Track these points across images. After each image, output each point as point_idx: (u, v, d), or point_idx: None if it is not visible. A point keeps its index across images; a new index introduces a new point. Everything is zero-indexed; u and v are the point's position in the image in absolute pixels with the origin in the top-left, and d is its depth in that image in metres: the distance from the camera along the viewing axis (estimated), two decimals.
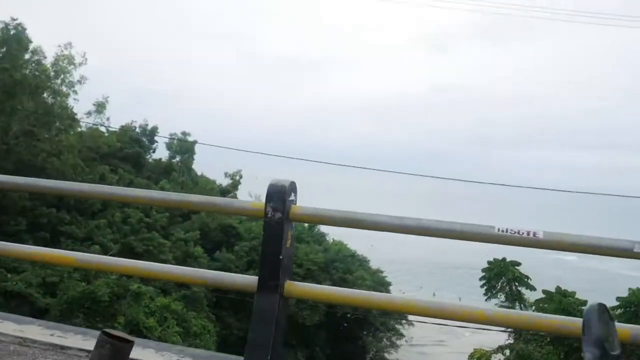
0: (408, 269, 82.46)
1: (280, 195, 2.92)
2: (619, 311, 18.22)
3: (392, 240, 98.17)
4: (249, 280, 3.07)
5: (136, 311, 23.61)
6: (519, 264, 24.09)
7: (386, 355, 44.16)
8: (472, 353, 22.88)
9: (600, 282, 59.46)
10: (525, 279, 23.73)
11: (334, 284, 39.62)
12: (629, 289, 18.39)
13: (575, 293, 22.23)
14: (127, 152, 42.04)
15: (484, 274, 24.20)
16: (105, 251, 26.73)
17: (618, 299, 19.47)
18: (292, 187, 2.99)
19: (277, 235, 2.93)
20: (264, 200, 2.97)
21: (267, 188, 2.99)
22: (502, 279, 23.84)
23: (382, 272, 46.40)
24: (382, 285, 44.87)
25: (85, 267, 3.93)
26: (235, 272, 34.40)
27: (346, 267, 42.17)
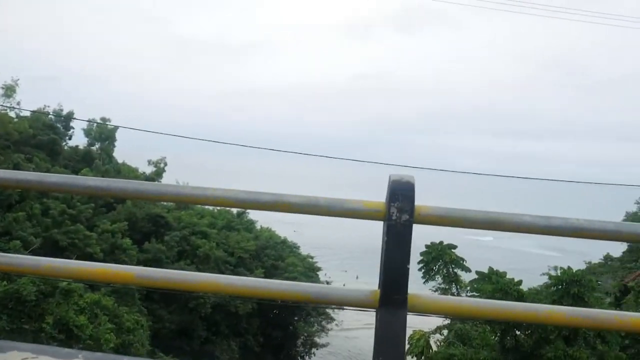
0: (333, 253, 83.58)
1: (407, 193, 2.56)
2: (552, 289, 19.45)
3: (316, 225, 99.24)
4: (365, 293, 2.74)
5: (65, 309, 22.11)
6: (455, 246, 25.05)
7: (316, 339, 44.59)
8: (411, 335, 23.51)
9: (518, 261, 63.35)
10: (461, 262, 24.72)
11: (266, 272, 39.39)
12: (560, 268, 19.60)
13: (506, 273, 23.41)
14: (40, 138, 39.08)
15: (422, 257, 24.90)
16: (26, 246, 24.80)
17: (550, 277, 20.76)
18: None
19: (404, 240, 2.58)
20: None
21: (390, 184, 2.58)
22: (439, 262, 24.65)
23: (312, 257, 46.68)
24: (312, 270, 45.23)
25: (146, 285, 3.26)
26: (166, 263, 33.23)
27: (277, 254, 42.03)
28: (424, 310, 2.82)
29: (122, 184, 2.89)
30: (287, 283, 2.82)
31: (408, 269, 2.66)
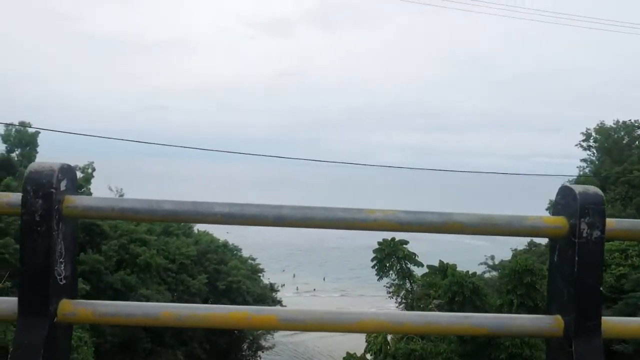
0: (267, 253, 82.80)
1: (598, 207, 2.31)
2: (505, 279, 20.21)
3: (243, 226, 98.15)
4: (547, 321, 2.54)
5: (3, 331, 20.42)
6: (406, 242, 25.46)
7: (262, 342, 44.14)
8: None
9: (459, 252, 65.53)
10: (413, 256, 25.17)
11: (209, 277, 38.44)
12: (512, 256, 20.36)
13: (456, 266, 24.12)
14: None
15: (375, 254, 25.10)
16: None
17: (503, 266, 21.56)
18: None
19: (596, 260, 2.33)
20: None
21: (579, 197, 2.34)
22: (392, 258, 24.97)
23: (254, 259, 46.08)
24: (255, 272, 44.66)
25: (292, 328, 2.71)
26: (105, 273, 31.54)
27: (219, 258, 41.12)
28: (618, 335, 2.66)
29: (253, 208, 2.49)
30: (458, 315, 2.58)
31: (601, 291, 2.50)
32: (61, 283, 2.35)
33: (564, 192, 2.48)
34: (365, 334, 24.31)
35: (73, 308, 2.38)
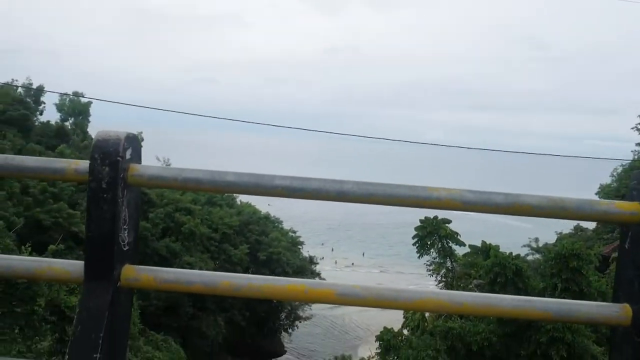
0: (307, 226, 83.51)
1: None
2: (550, 262, 19.76)
3: (286, 199, 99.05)
4: (614, 309, 2.45)
5: (57, 291, 21.39)
6: (449, 221, 25.20)
7: (299, 312, 44.87)
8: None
9: (502, 233, 64.42)
10: (456, 236, 24.91)
11: (251, 247, 39.13)
12: (557, 239, 19.86)
13: (498, 247, 23.72)
14: (10, 114, 37.39)
15: (416, 232, 24.98)
16: (10, 226, 23.79)
17: (547, 249, 21.07)
18: None
19: None
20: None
21: None
22: (434, 236, 24.77)
23: (295, 232, 46.58)
24: (295, 244, 45.18)
25: (349, 303, 2.73)
26: (151, 240, 32.56)
27: (261, 229, 41.74)
28: None
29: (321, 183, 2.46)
30: (523, 299, 2.52)
31: None
32: (125, 249, 2.42)
33: None
34: (404, 311, 24.36)
35: (136, 274, 2.45)
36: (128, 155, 2.39)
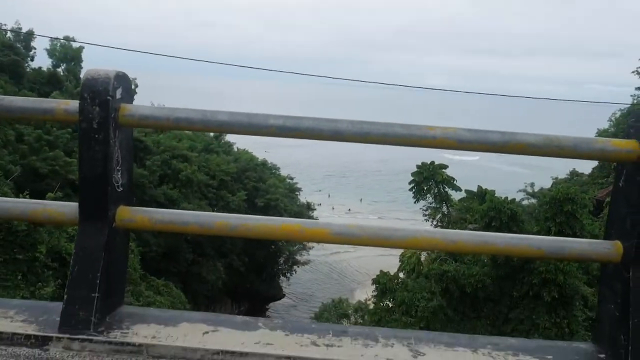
0: (304, 173, 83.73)
1: None
2: (545, 207, 19.99)
3: (286, 145, 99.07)
4: (606, 246, 2.47)
5: (57, 238, 21.66)
6: (446, 166, 25.28)
7: (297, 257, 45.63)
8: (402, 252, 24.12)
9: (498, 179, 64.64)
10: (452, 181, 25.04)
11: (248, 193, 39.35)
12: (553, 184, 19.99)
13: (494, 192, 23.90)
14: (0, 60, 36.68)
15: (413, 177, 25.08)
16: (7, 174, 23.80)
17: (543, 194, 21.25)
18: None
19: None
20: None
21: None
22: (430, 181, 24.90)
23: (292, 178, 46.74)
24: (293, 191, 45.44)
25: (345, 242, 2.72)
26: (149, 188, 32.68)
27: (258, 176, 41.86)
28: None
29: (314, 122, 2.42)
30: (516, 237, 2.54)
31: None
32: (119, 190, 2.40)
33: (639, 115, 2.34)
34: (400, 255, 24.83)
35: (131, 214, 2.45)
36: (118, 94, 2.34)
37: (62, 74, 41.18)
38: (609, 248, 2.43)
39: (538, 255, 2.57)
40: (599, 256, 2.47)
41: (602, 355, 2.39)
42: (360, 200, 75.04)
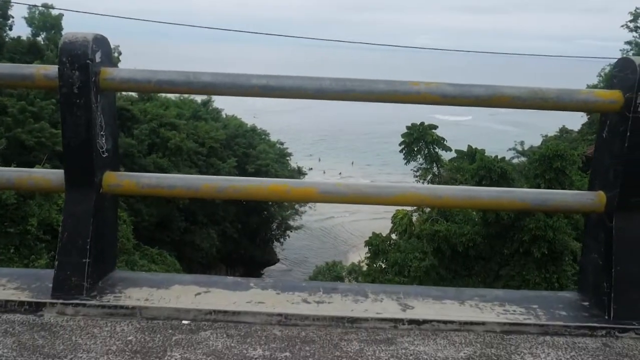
0: (293, 138, 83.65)
1: None
2: (534, 164, 20.13)
3: (275, 112, 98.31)
4: (589, 197, 2.51)
5: (47, 210, 21.60)
6: (435, 127, 25.27)
7: (290, 222, 45.89)
8: (394, 214, 24.32)
9: (489, 138, 64.72)
10: (442, 141, 25.08)
11: (239, 160, 39.27)
12: (543, 142, 20.08)
13: (484, 151, 23.99)
14: None
15: (403, 138, 25.09)
16: None
17: (532, 152, 21.36)
18: None
19: None
20: None
21: (638, 68, 2.18)
22: (420, 142, 24.93)
23: (282, 143, 46.61)
24: (283, 156, 45.37)
25: (332, 200, 2.74)
26: (138, 157, 32.50)
27: (248, 142, 41.67)
28: None
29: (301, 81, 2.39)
30: (501, 190, 2.57)
31: None
32: (104, 156, 2.39)
33: (623, 65, 2.33)
34: (391, 217, 25.04)
35: (117, 180, 2.44)
36: (98, 58, 2.30)
37: (42, 42, 40.23)
38: (592, 198, 2.47)
39: (522, 207, 2.61)
40: (583, 206, 2.51)
41: (586, 303, 2.45)
42: (352, 163, 75.12)
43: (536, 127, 57.57)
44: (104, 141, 2.38)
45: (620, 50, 50.74)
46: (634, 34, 49.89)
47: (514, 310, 2.33)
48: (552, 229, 18.81)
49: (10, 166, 18.87)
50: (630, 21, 50.33)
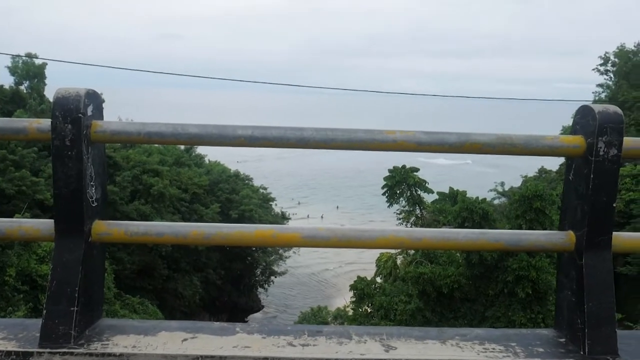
0: (275, 183, 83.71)
1: (617, 126, 2.34)
2: (515, 205, 20.43)
3: (252, 157, 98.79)
4: (560, 236, 2.62)
5: (27, 260, 21.22)
6: (417, 169, 25.60)
7: (274, 268, 45.46)
8: (378, 257, 24.31)
9: (469, 180, 65.43)
10: (424, 184, 25.37)
11: (222, 206, 39.14)
12: (522, 182, 20.43)
13: (466, 192, 24.32)
14: None
15: (385, 182, 25.33)
16: None
17: (513, 193, 21.70)
18: None
19: (612, 178, 2.36)
20: None
21: (598, 116, 2.32)
22: (403, 185, 25.19)
23: (265, 188, 46.65)
24: (267, 201, 45.34)
25: (315, 245, 2.78)
26: (121, 204, 32.25)
27: (231, 188, 41.67)
28: (628, 249, 2.73)
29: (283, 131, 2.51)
30: (475, 232, 2.67)
31: (614, 208, 2.54)
32: (93, 205, 2.45)
33: (584, 112, 2.49)
34: (375, 260, 25.02)
35: (106, 228, 2.50)
36: (90, 111, 2.40)
37: (25, 91, 40.39)
38: (562, 238, 2.59)
39: (497, 247, 2.72)
40: (554, 246, 2.63)
41: (562, 340, 2.53)
42: (337, 207, 75.36)
43: (515, 168, 58.49)
44: (93, 191, 2.44)
45: (593, 92, 52.34)
46: (604, 76, 51.68)
47: (493, 348, 2.40)
48: (535, 268, 18.96)
49: None
50: (601, 65, 52.30)
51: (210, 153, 47.86)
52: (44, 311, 2.33)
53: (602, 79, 52.50)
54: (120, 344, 2.30)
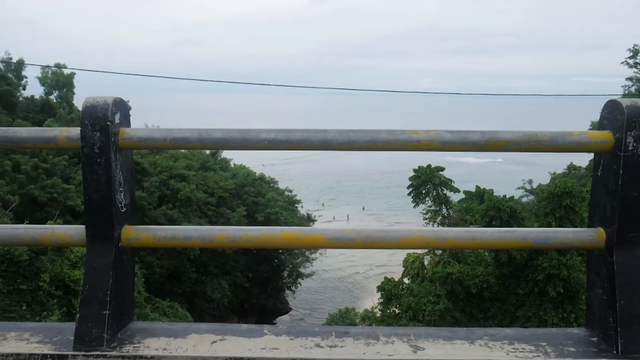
0: (301, 184, 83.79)
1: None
2: (544, 202, 20.08)
3: (280, 159, 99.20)
4: (589, 233, 2.57)
5: (60, 265, 21.68)
6: (443, 169, 25.39)
7: (301, 270, 45.57)
8: (405, 257, 24.15)
9: (496, 178, 64.67)
10: (450, 183, 25.14)
11: (248, 209, 39.41)
12: (551, 179, 20.07)
13: (493, 191, 24.00)
14: None
15: (411, 182, 25.19)
16: (5, 205, 23.87)
17: (541, 190, 21.34)
18: None
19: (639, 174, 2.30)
20: None
21: (626, 111, 2.27)
22: (428, 185, 25.00)
23: (290, 191, 46.82)
24: (292, 204, 45.50)
25: (340, 246, 2.81)
26: (149, 209, 32.75)
27: (257, 191, 41.93)
28: None
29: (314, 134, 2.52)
30: (502, 230, 2.64)
31: None
32: (122, 210, 2.51)
33: (611, 107, 2.45)
34: (403, 260, 24.87)
35: (135, 233, 2.55)
36: (117, 119, 2.45)
37: (54, 101, 41.36)
38: (592, 235, 2.54)
39: (525, 246, 2.68)
40: (584, 243, 2.58)
41: (594, 339, 2.49)
42: (363, 208, 75.22)
43: (543, 165, 57.51)
44: (122, 196, 2.50)
45: (622, 86, 51.19)
46: (634, 69, 50.45)
47: (523, 348, 2.37)
48: (566, 267, 18.59)
49: (23, 222, 19.13)
50: (630, 57, 50.99)
51: (235, 157, 48.31)
52: (78, 315, 2.40)
53: (631, 72, 51.21)
54: (152, 346, 2.35)
